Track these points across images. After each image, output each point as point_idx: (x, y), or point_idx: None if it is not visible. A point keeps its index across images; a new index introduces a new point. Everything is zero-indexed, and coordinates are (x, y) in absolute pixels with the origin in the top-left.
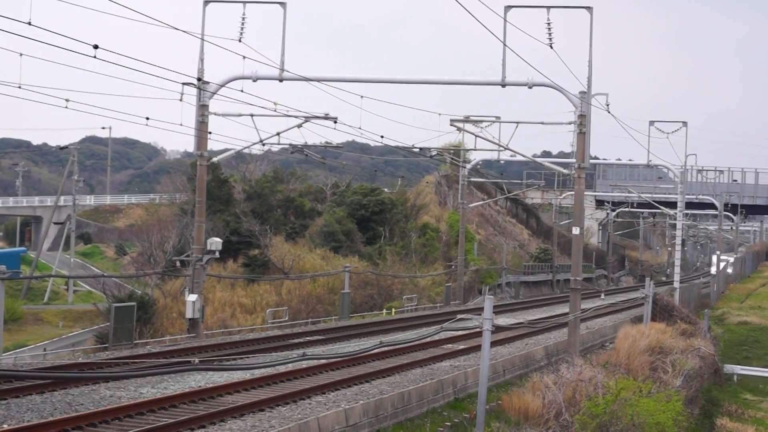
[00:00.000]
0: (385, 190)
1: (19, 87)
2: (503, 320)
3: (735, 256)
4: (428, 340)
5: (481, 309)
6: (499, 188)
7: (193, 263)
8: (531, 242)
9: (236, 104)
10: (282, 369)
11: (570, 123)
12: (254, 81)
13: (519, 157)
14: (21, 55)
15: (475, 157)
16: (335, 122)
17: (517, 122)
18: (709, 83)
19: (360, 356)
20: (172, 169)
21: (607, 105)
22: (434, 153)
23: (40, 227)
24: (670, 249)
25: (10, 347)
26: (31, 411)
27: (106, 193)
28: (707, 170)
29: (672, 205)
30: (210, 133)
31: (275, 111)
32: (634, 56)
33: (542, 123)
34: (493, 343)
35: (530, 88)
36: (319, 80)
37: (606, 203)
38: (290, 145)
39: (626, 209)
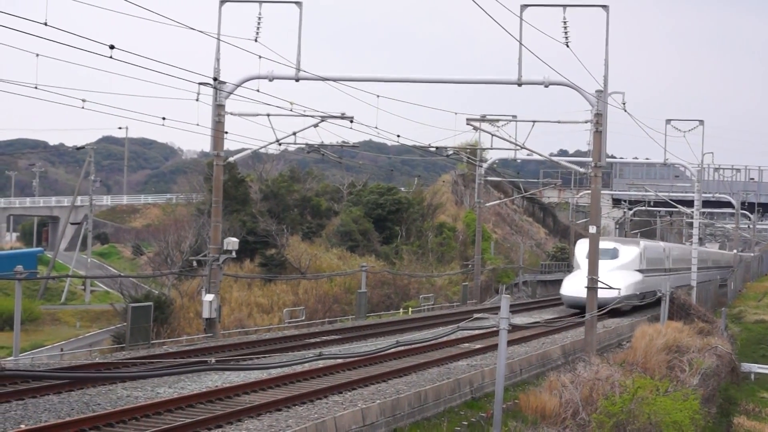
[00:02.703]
0: (402, 189)
1: (36, 87)
2: (520, 319)
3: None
4: (445, 339)
5: (498, 308)
6: (516, 187)
7: (210, 263)
8: (548, 241)
9: (252, 104)
10: (299, 369)
11: (586, 122)
12: (270, 81)
13: (535, 156)
14: (37, 55)
15: (492, 156)
16: (351, 122)
17: (534, 121)
18: (727, 82)
19: (377, 356)
20: (188, 169)
21: (624, 104)
22: (451, 152)
23: (57, 227)
24: None
25: (28, 347)
26: (48, 411)
27: (122, 193)
28: (724, 169)
29: (689, 203)
30: (226, 132)
31: (291, 111)
32: (651, 54)
33: (559, 122)
34: (510, 342)
35: (547, 87)
36: (335, 80)
37: (623, 202)
38: (306, 144)
39: (643, 208)
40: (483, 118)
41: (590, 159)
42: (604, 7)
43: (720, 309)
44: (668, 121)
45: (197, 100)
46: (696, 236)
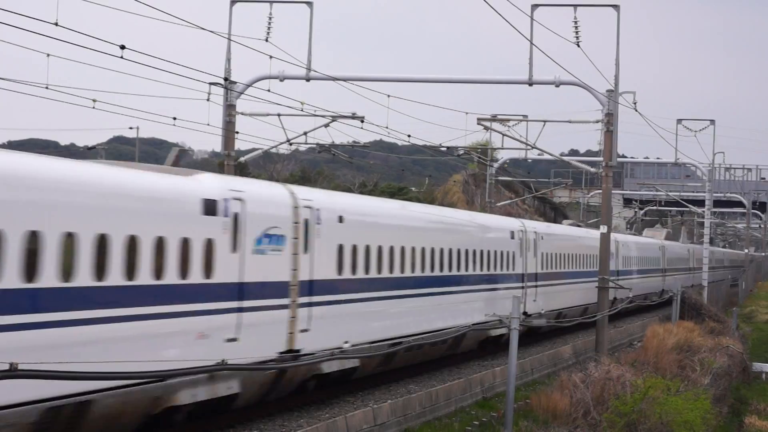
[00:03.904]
0: (413, 189)
1: (47, 87)
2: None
3: None
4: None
5: None
6: (527, 187)
7: None
8: None
9: (263, 104)
10: None
11: (597, 121)
12: (281, 80)
13: (546, 156)
14: (48, 55)
15: (503, 155)
16: (362, 121)
17: (545, 121)
18: (738, 81)
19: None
20: (199, 168)
21: (635, 103)
22: (461, 152)
23: None
24: None
25: None
26: None
27: None
28: (735, 168)
29: (700, 203)
30: (237, 132)
31: (302, 110)
32: (662, 54)
33: (569, 121)
34: (521, 342)
35: (557, 86)
36: (345, 80)
37: (634, 201)
38: (317, 144)
39: (654, 207)
40: (494, 118)
41: (601, 159)
42: (615, 6)
43: (731, 309)
44: (679, 120)
45: (208, 100)
46: (707, 236)
